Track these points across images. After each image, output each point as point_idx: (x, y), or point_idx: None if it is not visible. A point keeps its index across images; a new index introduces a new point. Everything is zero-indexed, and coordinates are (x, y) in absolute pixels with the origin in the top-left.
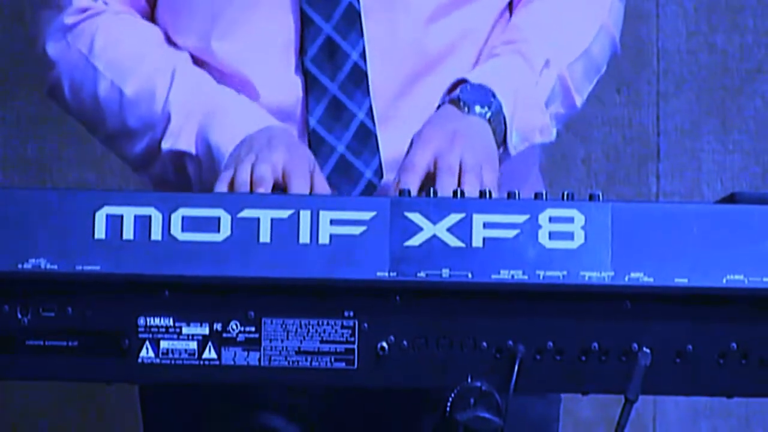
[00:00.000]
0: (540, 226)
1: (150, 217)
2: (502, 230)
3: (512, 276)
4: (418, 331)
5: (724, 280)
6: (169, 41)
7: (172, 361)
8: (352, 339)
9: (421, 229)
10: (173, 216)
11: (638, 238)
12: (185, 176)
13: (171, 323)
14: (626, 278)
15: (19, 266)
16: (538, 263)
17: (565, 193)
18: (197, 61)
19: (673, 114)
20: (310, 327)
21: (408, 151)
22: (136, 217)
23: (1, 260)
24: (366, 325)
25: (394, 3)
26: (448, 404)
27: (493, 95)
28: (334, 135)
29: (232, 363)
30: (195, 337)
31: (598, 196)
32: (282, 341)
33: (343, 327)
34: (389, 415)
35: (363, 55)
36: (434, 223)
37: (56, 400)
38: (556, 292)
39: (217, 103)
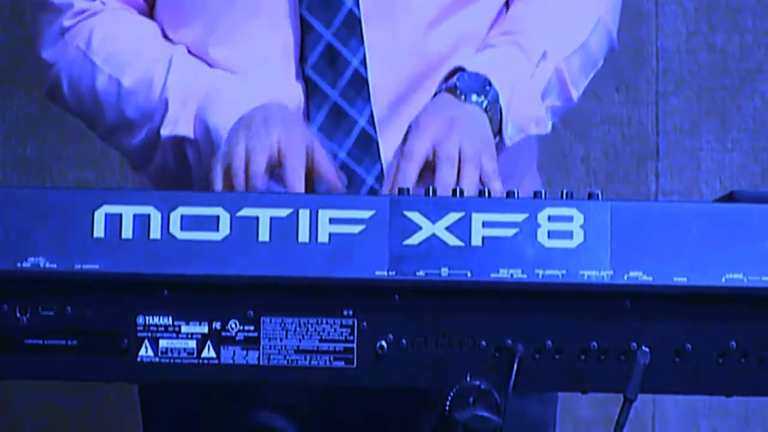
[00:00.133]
0: (539, 225)
1: (149, 216)
2: (501, 229)
3: (511, 275)
4: (417, 330)
5: (723, 279)
6: (166, 40)
7: (171, 360)
8: (351, 338)
9: (420, 228)
10: (172, 215)
11: (637, 237)
12: (185, 164)
13: (170, 322)
14: (625, 277)
15: (19, 265)
16: (538, 262)
17: (564, 192)
18: None
19: (672, 113)
20: (309, 326)
21: (405, 139)
22: (135, 216)
23: (1, 259)
24: (365, 324)
25: (394, 9)
26: (448, 403)
27: (490, 84)
28: (335, 142)
29: (231, 362)
30: (194, 336)
31: (597, 195)
32: (281, 340)
33: (342, 326)
34: (388, 414)
35: (363, 61)
36: (433, 222)
37: (56, 400)
38: (555, 291)
39: (213, 86)
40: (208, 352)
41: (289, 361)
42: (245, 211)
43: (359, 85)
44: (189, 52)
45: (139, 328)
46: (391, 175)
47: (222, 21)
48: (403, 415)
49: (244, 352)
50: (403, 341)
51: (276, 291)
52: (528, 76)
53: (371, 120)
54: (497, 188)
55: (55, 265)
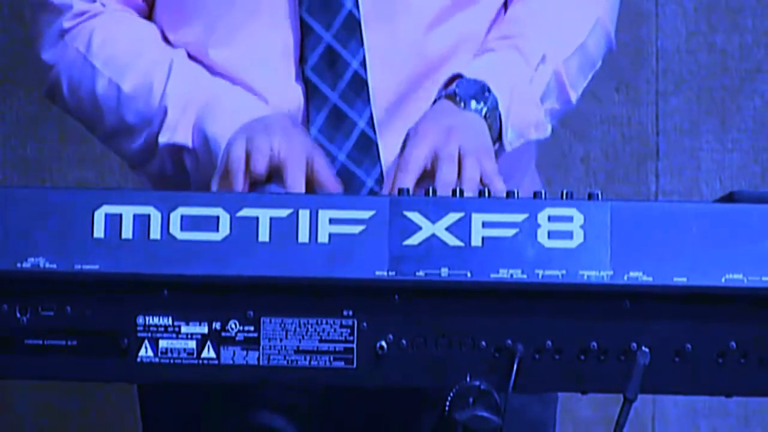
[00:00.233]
0: (539, 225)
1: (149, 216)
2: (501, 229)
3: (511, 275)
4: (417, 330)
5: (723, 279)
6: (166, 41)
7: (171, 361)
8: (351, 338)
9: (420, 228)
10: (172, 215)
11: (637, 237)
12: (183, 171)
13: (170, 322)
14: (625, 277)
15: (18, 265)
16: (537, 262)
17: (564, 192)
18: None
19: (672, 113)
20: (309, 326)
21: (404, 147)
22: (135, 216)
23: (1, 259)
24: (365, 324)
25: (394, 11)
26: (447, 403)
27: (489, 91)
28: (335, 144)
29: (231, 362)
30: (194, 337)
31: (597, 195)
32: (281, 340)
33: (342, 326)
34: (388, 414)
35: (363, 63)
36: (433, 222)
37: (56, 400)
38: (555, 291)
39: (213, 95)
40: (208, 353)
41: (289, 362)
42: (245, 212)
43: (359, 86)
44: (189, 54)
45: (139, 328)
46: (389, 185)
47: (222, 22)
48: (403, 415)
49: (244, 352)
50: (403, 341)
51: (276, 291)
52: (527, 80)
53: (371, 122)
54: (499, 187)
55: (55, 265)
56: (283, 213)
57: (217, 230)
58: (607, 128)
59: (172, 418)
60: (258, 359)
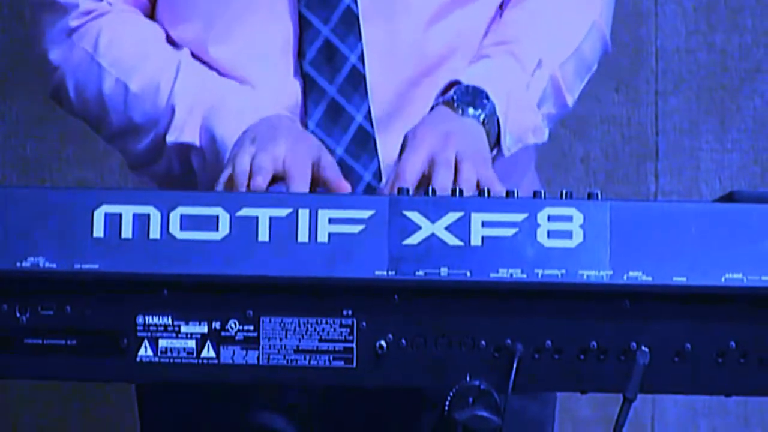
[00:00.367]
0: (539, 225)
1: (148, 215)
2: (501, 229)
3: (511, 275)
4: (416, 329)
5: (723, 279)
6: (169, 41)
7: (171, 360)
8: (351, 338)
9: (419, 227)
10: (172, 214)
11: (637, 237)
12: (191, 171)
13: (169, 322)
14: (625, 277)
15: (18, 265)
16: (537, 262)
17: (564, 192)
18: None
19: (671, 113)
20: (309, 326)
21: (401, 153)
22: (134, 215)
23: (1, 259)
24: (365, 323)
25: (393, 8)
26: (447, 403)
27: (487, 97)
28: (332, 138)
29: (230, 362)
30: (193, 336)
31: (597, 194)
32: (280, 340)
33: (341, 326)
34: (388, 414)
35: (361, 57)
36: (433, 221)
37: (56, 400)
38: (554, 291)
39: (220, 95)
40: (208, 352)
41: (289, 361)
42: (245, 211)
43: (357, 81)
44: (191, 52)
45: (138, 327)
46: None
47: (220, 17)
48: (403, 415)
49: (244, 352)
50: (403, 341)
51: (275, 291)
52: (523, 86)
53: (369, 116)
54: (498, 189)
55: (54, 265)
56: (283, 213)
57: (217, 230)
58: (607, 128)
59: (171, 419)
60: (258, 359)
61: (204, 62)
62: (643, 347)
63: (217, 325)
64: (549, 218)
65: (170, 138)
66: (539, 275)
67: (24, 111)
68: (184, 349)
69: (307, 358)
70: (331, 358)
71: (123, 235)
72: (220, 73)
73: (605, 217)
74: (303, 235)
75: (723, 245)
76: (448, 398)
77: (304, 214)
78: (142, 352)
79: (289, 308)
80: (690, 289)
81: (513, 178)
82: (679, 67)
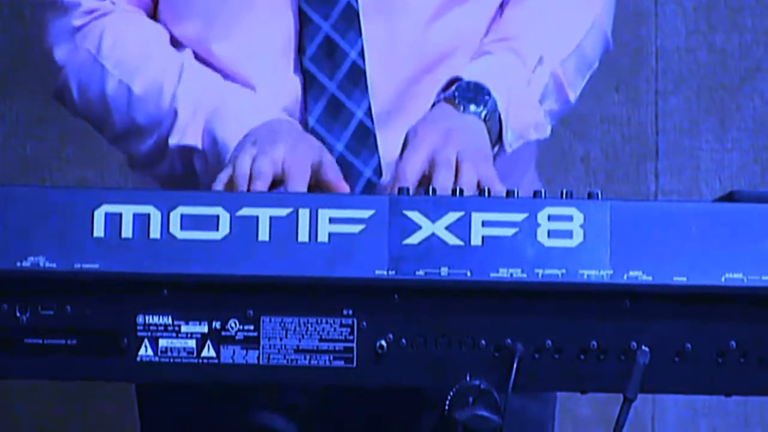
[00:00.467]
0: (539, 225)
1: (149, 215)
2: (501, 228)
3: (511, 274)
4: (416, 329)
5: (723, 279)
6: (172, 40)
7: (171, 360)
8: (351, 337)
9: (419, 227)
10: (172, 214)
11: (637, 237)
12: (193, 172)
13: (170, 321)
14: (625, 277)
15: (18, 264)
16: (537, 262)
17: (564, 192)
18: (200, 61)
19: (671, 113)
20: (309, 325)
21: (402, 151)
22: (134, 215)
23: (1, 259)
24: (365, 323)
25: (393, 6)
26: (447, 403)
27: (488, 93)
28: (333, 134)
29: (230, 361)
30: (194, 336)
31: (597, 194)
32: (281, 340)
33: (341, 325)
34: (388, 415)
35: (361, 54)
36: (433, 221)
37: (56, 400)
38: (554, 291)
39: (223, 98)
40: (208, 352)
41: (289, 361)
42: (245, 211)
43: (357, 77)
44: (193, 51)
45: (138, 327)
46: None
47: (221, 14)
48: (403, 415)
49: (244, 351)
50: (403, 341)
51: (276, 290)
52: (524, 82)
53: (369, 112)
54: (498, 189)
55: (54, 265)
56: (283, 212)
57: (217, 229)
58: (607, 128)
59: (171, 418)
60: (258, 358)
61: (207, 59)
62: (643, 347)
63: (217, 324)
64: (549, 218)
65: (173, 140)
66: (539, 275)
67: (24, 111)
68: (185, 348)
69: (308, 357)
70: (331, 357)
71: (123, 235)
72: (223, 71)
73: (605, 217)
74: (303, 235)
75: (723, 245)
76: (448, 398)
77: (304, 214)
78: (142, 351)
79: (289, 308)
80: (690, 289)
81: (514, 176)
82: (679, 66)
